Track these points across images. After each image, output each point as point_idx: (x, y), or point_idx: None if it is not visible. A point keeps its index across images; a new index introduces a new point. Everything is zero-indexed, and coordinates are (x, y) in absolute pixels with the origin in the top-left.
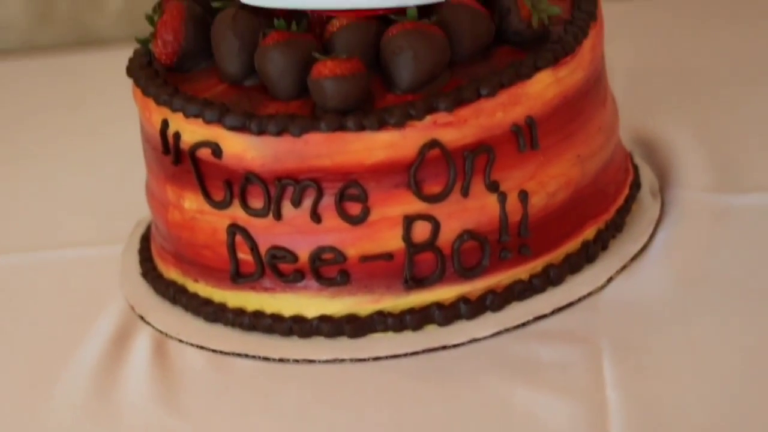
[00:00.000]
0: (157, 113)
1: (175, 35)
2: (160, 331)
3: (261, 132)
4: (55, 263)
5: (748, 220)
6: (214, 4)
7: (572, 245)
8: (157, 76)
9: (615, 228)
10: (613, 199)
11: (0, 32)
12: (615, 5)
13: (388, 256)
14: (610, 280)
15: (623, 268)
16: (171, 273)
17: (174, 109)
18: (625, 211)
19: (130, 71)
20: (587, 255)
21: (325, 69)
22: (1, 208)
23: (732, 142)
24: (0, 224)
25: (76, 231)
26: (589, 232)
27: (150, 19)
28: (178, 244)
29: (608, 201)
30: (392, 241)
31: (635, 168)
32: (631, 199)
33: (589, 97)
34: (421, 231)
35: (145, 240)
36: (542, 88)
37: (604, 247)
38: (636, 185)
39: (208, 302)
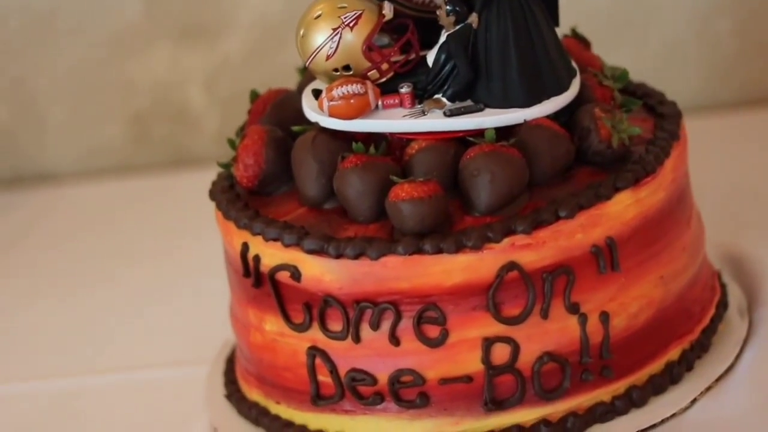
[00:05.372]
0: (238, 237)
1: (256, 159)
2: None
3: (339, 255)
4: (144, 383)
5: None
6: (294, 129)
7: (656, 366)
8: (239, 199)
9: (701, 348)
10: (699, 319)
11: (99, 154)
12: (708, 121)
13: (468, 379)
14: (694, 401)
15: (708, 389)
16: (254, 395)
17: (254, 233)
18: (711, 331)
19: (213, 195)
20: (671, 376)
21: (403, 192)
22: (95, 329)
23: None
24: (92, 345)
25: (166, 351)
26: (673, 353)
27: (232, 144)
28: (260, 366)
29: (693, 321)
30: (471, 363)
31: (723, 287)
32: (718, 318)
33: (673, 217)
34: (501, 353)
35: (230, 362)
36: (622, 209)
37: (689, 368)
38: (723, 305)
39: (289, 424)
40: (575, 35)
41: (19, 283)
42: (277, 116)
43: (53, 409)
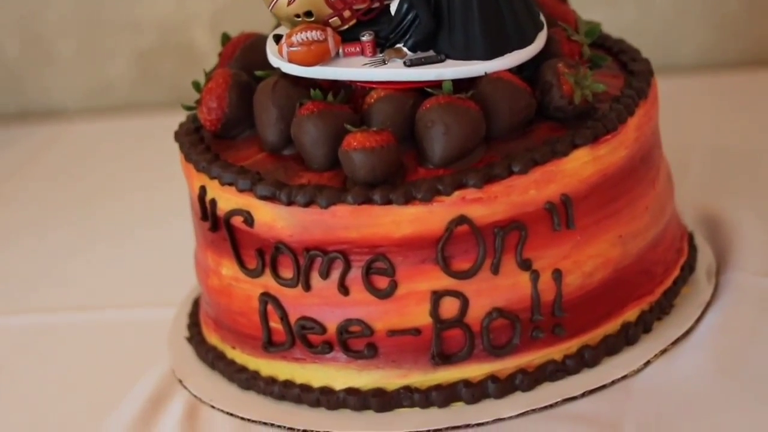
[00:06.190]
0: (197, 179)
1: (219, 102)
2: (195, 396)
3: (290, 202)
4: (114, 323)
5: None
6: (257, 74)
7: (611, 326)
8: (202, 142)
9: (661, 310)
10: (661, 280)
11: (105, 91)
12: (711, 79)
13: (416, 331)
14: (647, 363)
15: (663, 352)
16: (212, 338)
17: (211, 177)
18: (673, 293)
19: (177, 136)
20: (627, 337)
21: (355, 141)
22: (77, 265)
23: None
24: (71, 281)
25: (141, 292)
26: (630, 314)
27: (197, 86)
28: (218, 310)
29: (654, 282)
30: (420, 316)
31: (693, 249)
32: (681, 281)
33: (635, 177)
34: (449, 307)
35: (197, 304)
36: (579, 166)
37: (647, 330)
38: (689, 267)
39: (242, 369)
40: None
41: (5, 218)
42: (246, 60)
43: (26, 344)
